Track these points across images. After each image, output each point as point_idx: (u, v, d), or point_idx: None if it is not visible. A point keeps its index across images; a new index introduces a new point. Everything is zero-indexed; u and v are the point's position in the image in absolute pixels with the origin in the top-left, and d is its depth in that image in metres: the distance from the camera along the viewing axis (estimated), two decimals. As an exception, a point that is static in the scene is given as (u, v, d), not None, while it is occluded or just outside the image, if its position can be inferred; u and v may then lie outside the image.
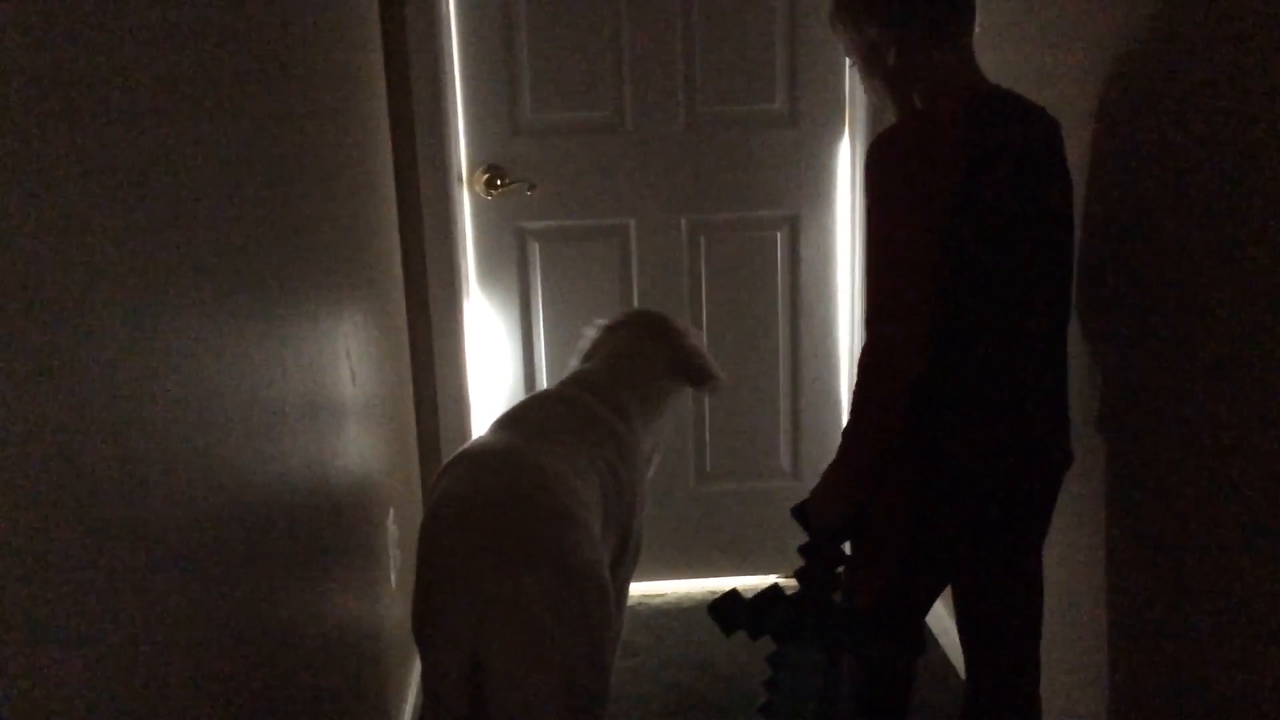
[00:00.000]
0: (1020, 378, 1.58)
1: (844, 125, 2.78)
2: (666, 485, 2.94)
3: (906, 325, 1.52)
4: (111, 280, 0.86)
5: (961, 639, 1.78)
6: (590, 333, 2.21)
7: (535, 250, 2.79)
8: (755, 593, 1.73)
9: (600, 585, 1.50)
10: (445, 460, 1.73)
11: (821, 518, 1.70)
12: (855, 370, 1.61)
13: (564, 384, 1.97)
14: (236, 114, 1.23)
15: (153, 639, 0.91)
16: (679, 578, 3.00)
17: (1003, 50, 2.02)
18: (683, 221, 2.81)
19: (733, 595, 1.74)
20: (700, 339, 2.22)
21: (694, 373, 2.11)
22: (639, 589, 2.96)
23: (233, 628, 1.13)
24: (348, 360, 1.81)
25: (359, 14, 2.18)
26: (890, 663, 1.77)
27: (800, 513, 1.75)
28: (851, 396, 1.64)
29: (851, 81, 2.74)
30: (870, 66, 1.69)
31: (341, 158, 1.88)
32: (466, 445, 1.73)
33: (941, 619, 2.58)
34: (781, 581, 1.99)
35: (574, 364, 2.18)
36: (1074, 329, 1.70)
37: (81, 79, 0.82)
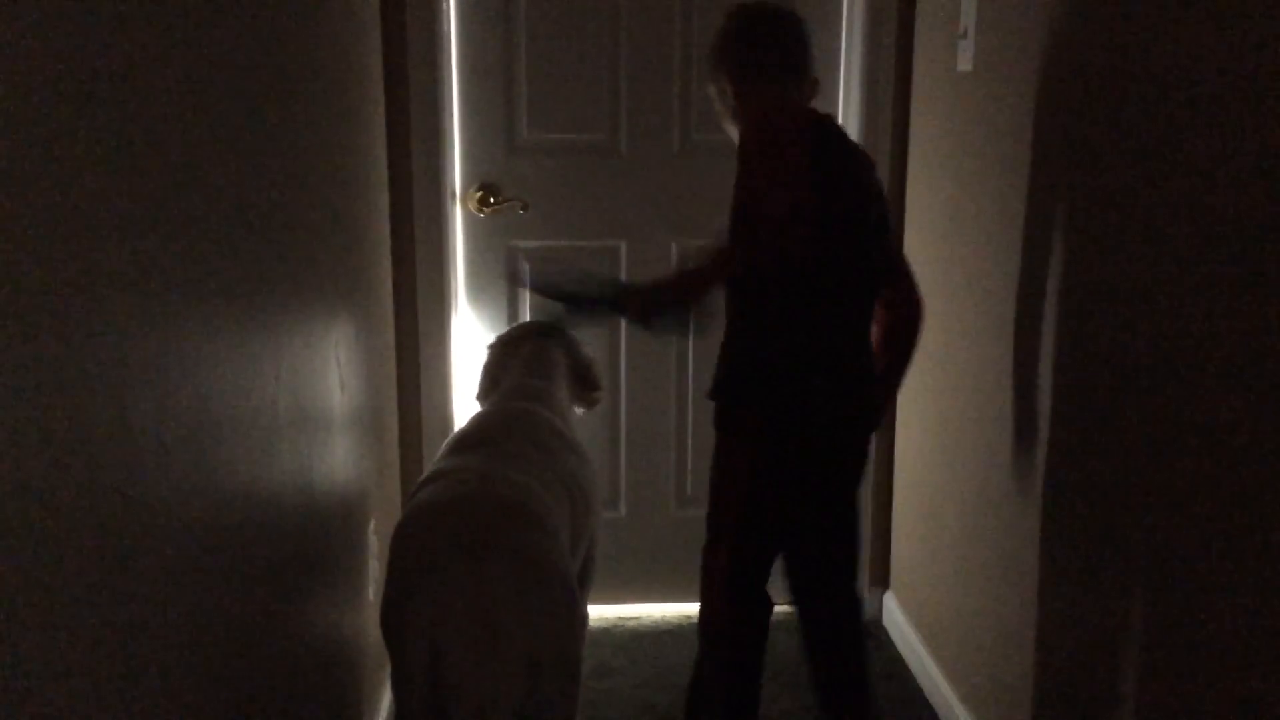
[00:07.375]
0: (833, 352, 1.89)
1: (835, 157, 2.81)
2: (646, 509, 2.95)
3: (762, 249, 1.86)
4: (108, 288, 0.86)
5: (793, 592, 2.04)
6: (490, 353, 2.25)
7: (525, 269, 2.80)
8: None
9: (564, 579, 1.52)
10: (422, 477, 1.74)
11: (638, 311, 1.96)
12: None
13: (510, 397, 1.98)
14: (234, 126, 1.24)
15: (138, 642, 0.91)
16: (657, 601, 3.00)
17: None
18: (673, 245, 2.83)
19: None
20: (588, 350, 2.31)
21: (589, 379, 2.22)
22: (616, 611, 2.96)
23: (215, 634, 1.13)
24: (338, 368, 1.82)
25: (360, 29, 2.20)
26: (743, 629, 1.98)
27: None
28: (698, 268, 1.96)
29: (845, 112, 2.78)
30: (723, 105, 2.09)
31: (337, 171, 1.89)
32: (438, 466, 1.74)
33: (899, 624, 2.59)
34: None
35: (480, 383, 2.22)
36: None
37: (91, 95, 0.83)
